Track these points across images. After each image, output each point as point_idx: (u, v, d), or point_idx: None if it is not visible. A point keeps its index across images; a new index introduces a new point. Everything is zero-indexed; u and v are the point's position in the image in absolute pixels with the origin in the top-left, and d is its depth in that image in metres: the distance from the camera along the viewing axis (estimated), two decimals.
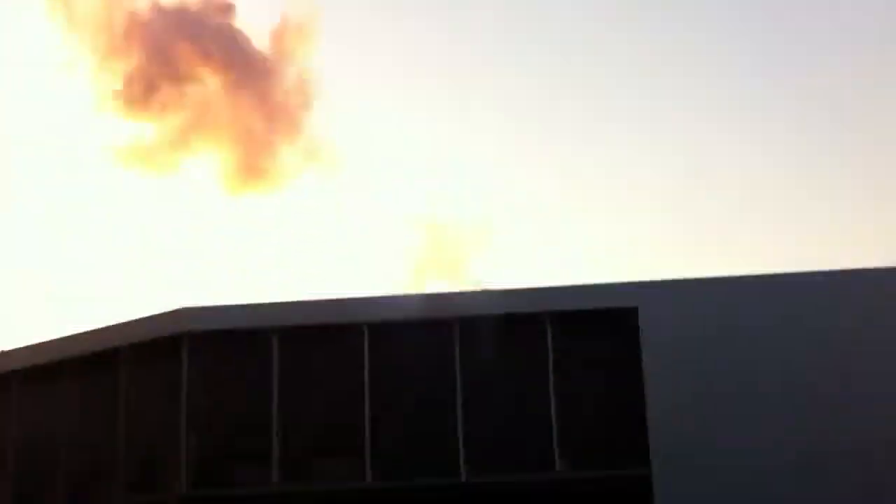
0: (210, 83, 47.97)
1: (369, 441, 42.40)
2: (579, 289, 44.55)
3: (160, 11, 46.34)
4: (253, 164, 48.01)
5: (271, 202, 48.38)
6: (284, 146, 48.04)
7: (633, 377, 41.57)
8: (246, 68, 47.76)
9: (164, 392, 44.66)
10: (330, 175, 47.24)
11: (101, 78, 46.08)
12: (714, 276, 42.57)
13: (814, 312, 40.72)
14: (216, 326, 45.34)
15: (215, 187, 48.59)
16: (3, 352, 48.93)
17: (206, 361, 45.65)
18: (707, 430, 40.04)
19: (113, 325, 48.06)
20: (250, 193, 48.43)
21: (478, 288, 44.51)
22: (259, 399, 43.51)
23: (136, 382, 44.96)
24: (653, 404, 40.66)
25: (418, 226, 46.62)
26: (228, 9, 47.16)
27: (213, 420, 43.51)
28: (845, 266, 41.27)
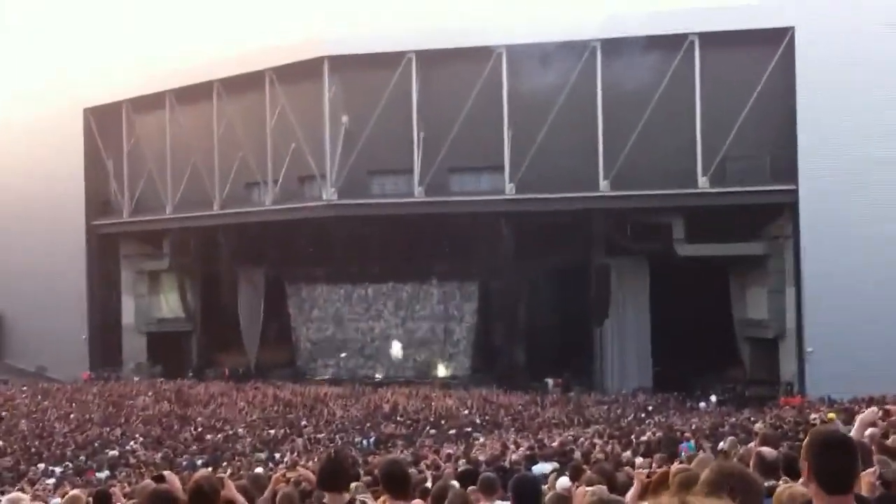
0: None
1: (509, 157, 43.08)
2: (729, 9, 43.36)
3: None
4: None
5: None
6: None
7: (785, 100, 40.58)
8: None
9: (308, 111, 46.32)
10: None
11: None
12: None
13: None
14: (355, 49, 46.69)
15: None
16: (154, 72, 50.98)
17: (347, 82, 46.87)
18: (858, 157, 38.99)
19: (258, 49, 49.45)
20: None
21: (618, 8, 43.44)
22: (399, 117, 44.65)
23: (281, 102, 46.70)
24: (804, 128, 39.75)
25: None
26: None
27: (356, 137, 44.96)
28: None
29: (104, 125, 54.27)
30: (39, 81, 57.08)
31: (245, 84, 47.96)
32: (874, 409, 7.49)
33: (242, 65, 47.92)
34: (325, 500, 5.51)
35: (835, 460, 3.48)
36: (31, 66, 58.29)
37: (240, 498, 6.08)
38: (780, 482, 5.23)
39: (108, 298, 54.85)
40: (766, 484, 4.80)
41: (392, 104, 43.88)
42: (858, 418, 6.63)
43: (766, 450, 7.08)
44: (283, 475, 8.96)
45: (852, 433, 6.48)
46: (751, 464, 6.32)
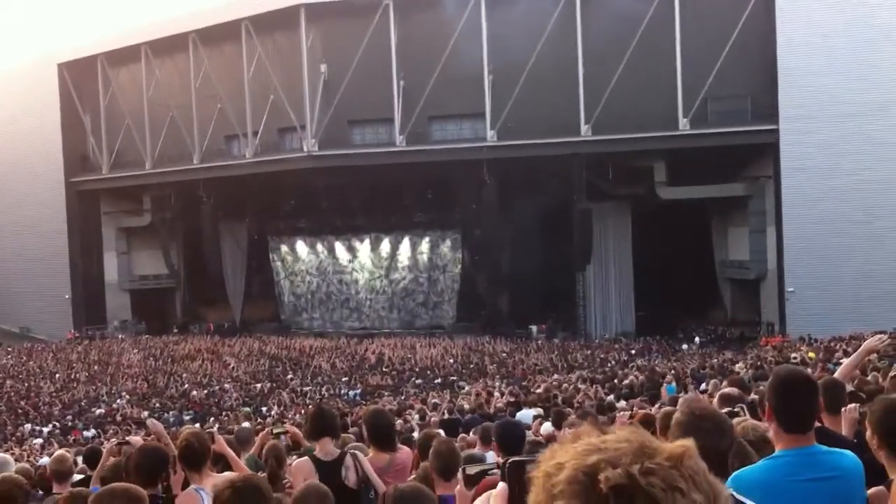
0: None
1: (490, 103, 42.84)
2: None
3: None
4: None
5: None
6: None
7: (766, 40, 40.49)
8: None
9: (286, 61, 45.79)
10: None
11: None
12: None
13: None
14: None
15: None
16: (129, 25, 50.20)
17: (325, 31, 46.34)
18: (839, 96, 38.97)
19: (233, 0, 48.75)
20: None
21: None
22: (378, 65, 44.20)
23: (258, 53, 46.10)
24: (785, 68, 39.70)
25: None
26: None
27: (335, 86, 44.57)
28: None
29: (79, 80, 53.41)
30: (10, 36, 56.16)
31: (221, 35, 47.24)
32: (882, 336, 7.58)
33: (218, 15, 47.04)
34: (315, 452, 5.54)
35: (794, 399, 3.45)
36: (1, 21, 57.29)
37: (230, 451, 6.12)
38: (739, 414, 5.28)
39: (90, 256, 54.61)
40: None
41: (371, 52, 43.39)
42: (864, 344, 6.69)
43: (729, 389, 7.24)
44: (270, 432, 9.03)
45: (853, 357, 6.55)
46: (715, 402, 6.42)
